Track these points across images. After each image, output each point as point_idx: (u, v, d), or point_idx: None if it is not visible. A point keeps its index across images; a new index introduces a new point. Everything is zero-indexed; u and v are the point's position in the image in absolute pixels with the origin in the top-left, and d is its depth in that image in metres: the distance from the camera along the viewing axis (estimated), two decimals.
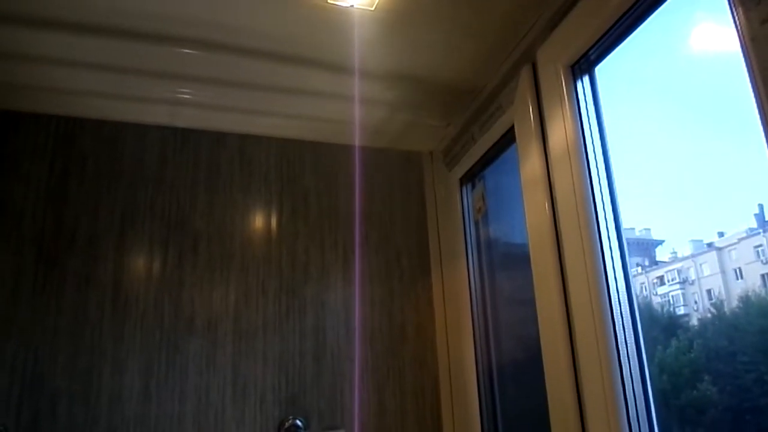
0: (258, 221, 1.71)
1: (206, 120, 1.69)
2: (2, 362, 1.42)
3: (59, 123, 1.62)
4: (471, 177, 1.70)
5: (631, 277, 1.17)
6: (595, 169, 1.19)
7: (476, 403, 1.58)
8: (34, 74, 1.46)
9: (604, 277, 1.13)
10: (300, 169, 1.79)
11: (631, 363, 1.10)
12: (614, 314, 1.11)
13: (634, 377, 1.08)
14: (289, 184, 1.76)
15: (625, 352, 1.09)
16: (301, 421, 1.56)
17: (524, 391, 1.51)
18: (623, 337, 1.10)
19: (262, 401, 1.57)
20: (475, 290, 1.65)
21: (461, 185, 1.73)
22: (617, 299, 1.12)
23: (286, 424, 1.54)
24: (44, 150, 1.59)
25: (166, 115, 1.65)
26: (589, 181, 1.18)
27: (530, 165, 1.32)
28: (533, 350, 1.29)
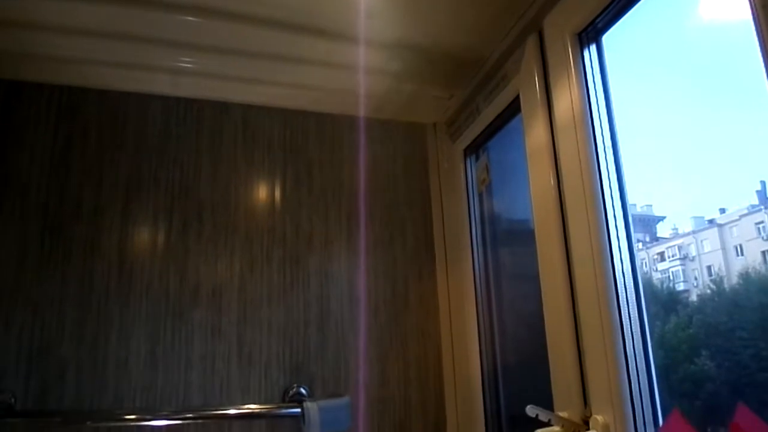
0: (262, 191, 1.71)
1: (209, 89, 1.68)
2: (10, 331, 1.43)
3: (62, 92, 1.62)
4: (475, 148, 1.70)
5: (635, 250, 1.17)
6: (601, 139, 1.19)
7: (478, 372, 1.60)
8: (36, 42, 1.45)
9: (608, 247, 1.13)
10: (304, 140, 1.78)
11: (635, 339, 1.10)
12: (618, 287, 1.11)
13: (637, 353, 1.08)
14: (293, 155, 1.76)
15: (629, 327, 1.10)
16: (305, 388, 1.58)
17: (526, 361, 1.53)
18: (627, 313, 1.11)
19: (267, 369, 1.59)
20: (478, 262, 1.66)
21: (465, 157, 1.73)
22: (621, 271, 1.13)
23: (291, 392, 1.56)
24: (47, 120, 1.59)
25: (168, 84, 1.64)
26: (594, 151, 1.18)
27: (535, 134, 1.32)
28: (536, 322, 1.30)
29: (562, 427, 1.14)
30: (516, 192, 1.57)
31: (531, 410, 1.15)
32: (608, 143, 1.20)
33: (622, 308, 1.09)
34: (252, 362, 1.58)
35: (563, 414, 1.16)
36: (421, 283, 1.77)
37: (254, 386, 1.56)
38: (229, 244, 1.64)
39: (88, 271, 1.52)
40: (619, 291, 1.11)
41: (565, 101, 1.24)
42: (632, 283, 1.13)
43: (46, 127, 1.58)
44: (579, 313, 1.17)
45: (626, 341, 1.09)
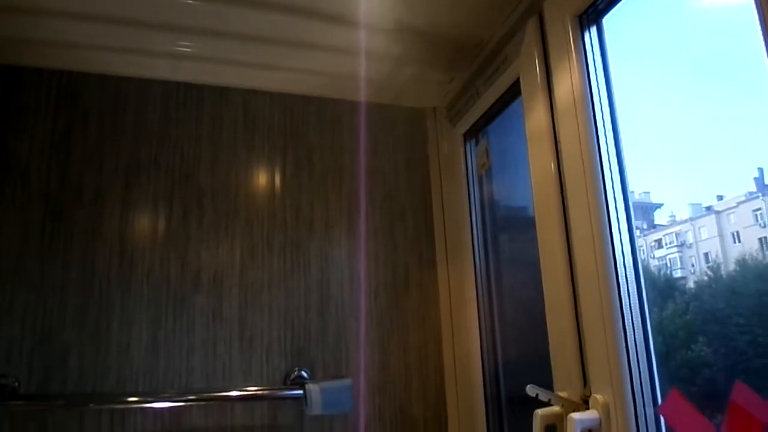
0: (262, 176, 1.71)
1: (209, 74, 1.68)
2: (12, 316, 1.44)
3: (62, 78, 1.61)
4: (475, 132, 1.70)
5: (635, 233, 1.18)
6: (602, 122, 1.19)
7: (478, 356, 1.61)
8: (37, 27, 1.45)
9: (608, 230, 1.13)
10: (304, 125, 1.78)
11: (634, 321, 1.11)
12: (618, 271, 1.12)
13: (636, 335, 1.09)
14: (293, 140, 1.76)
15: (629, 310, 1.10)
16: (306, 372, 1.59)
17: (526, 345, 1.54)
18: (626, 293, 1.11)
19: (268, 353, 1.60)
20: (478, 247, 1.67)
21: (465, 141, 1.73)
22: (621, 255, 1.13)
23: (292, 375, 1.58)
24: (47, 105, 1.59)
25: (168, 69, 1.64)
26: (595, 134, 1.18)
27: (535, 117, 1.32)
28: (536, 307, 1.31)
29: (562, 406, 1.15)
30: (516, 177, 1.58)
31: (531, 390, 1.16)
32: (608, 127, 1.20)
33: (621, 290, 1.10)
34: (253, 346, 1.59)
35: (563, 394, 1.17)
36: (421, 269, 1.78)
37: (256, 370, 1.57)
38: (229, 229, 1.65)
39: (90, 257, 1.52)
40: (619, 274, 1.12)
41: (565, 84, 1.24)
42: (632, 266, 1.14)
43: (46, 113, 1.58)
44: (579, 296, 1.18)
45: (626, 323, 1.10)
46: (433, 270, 1.79)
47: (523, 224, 1.56)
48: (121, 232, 1.56)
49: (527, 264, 1.41)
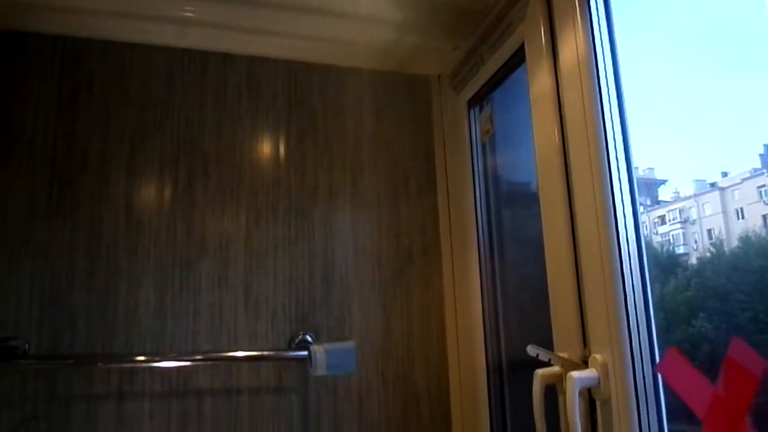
0: (267, 143, 1.72)
1: (213, 40, 1.68)
2: (21, 281, 1.46)
3: (66, 44, 1.62)
4: (479, 100, 1.70)
5: (638, 207, 1.19)
6: (606, 88, 1.19)
7: (480, 321, 1.63)
8: None
9: (611, 199, 1.14)
10: (308, 92, 1.78)
11: (635, 288, 1.12)
12: (619, 235, 1.13)
13: (638, 304, 1.10)
14: (298, 107, 1.76)
15: (629, 274, 1.12)
16: (311, 336, 1.61)
17: (527, 310, 1.55)
18: (627, 253, 1.12)
19: (273, 318, 1.62)
20: (481, 214, 1.68)
21: (469, 108, 1.73)
22: (624, 225, 1.14)
23: (297, 339, 1.60)
24: (52, 71, 1.59)
25: (172, 35, 1.64)
26: (599, 101, 1.18)
27: (540, 83, 1.32)
28: (538, 274, 1.32)
29: (562, 366, 1.17)
30: (520, 147, 1.58)
31: (531, 350, 1.18)
32: (613, 93, 1.20)
33: (623, 256, 1.11)
34: (259, 311, 1.61)
35: (563, 354, 1.19)
36: (424, 236, 1.79)
37: (261, 334, 1.60)
38: (234, 196, 1.66)
39: (97, 222, 1.54)
40: (621, 244, 1.12)
41: (570, 49, 1.24)
42: (633, 229, 1.15)
43: (51, 79, 1.59)
44: (580, 261, 1.19)
45: (626, 285, 1.11)
46: (436, 237, 1.80)
47: (527, 192, 1.57)
48: (127, 197, 1.57)
49: (530, 233, 1.42)
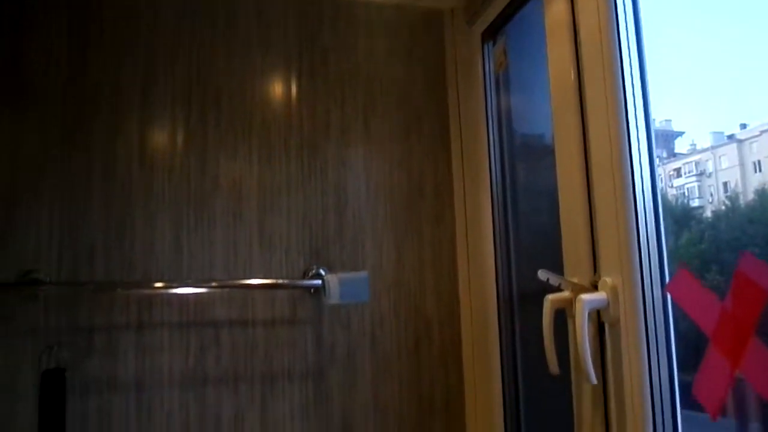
0: (278, 80, 1.72)
1: None
2: (39, 217, 1.49)
3: None
4: (493, 33, 1.67)
5: (654, 149, 1.18)
6: (624, 28, 1.16)
7: (492, 256, 1.64)
8: None
9: (625, 124, 1.13)
10: (319, 27, 1.76)
11: (647, 209, 1.13)
12: (632, 155, 1.13)
13: (650, 241, 1.11)
14: (309, 43, 1.75)
15: (643, 213, 1.12)
16: (324, 269, 1.64)
17: (538, 242, 1.56)
18: (641, 193, 1.13)
19: (287, 253, 1.65)
20: (494, 149, 1.67)
21: (483, 42, 1.70)
22: (637, 150, 1.14)
23: (310, 273, 1.63)
24: (59, 9, 1.58)
25: None
26: (616, 34, 1.16)
27: (555, 10, 1.29)
28: (550, 207, 1.32)
29: (572, 290, 1.18)
30: (534, 86, 1.56)
31: (542, 274, 1.19)
32: (632, 34, 1.17)
33: (635, 171, 1.11)
34: (273, 246, 1.64)
35: (573, 279, 1.20)
36: (436, 172, 1.80)
37: (276, 267, 1.62)
38: (246, 133, 1.66)
39: (111, 158, 1.55)
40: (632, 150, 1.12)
41: None
42: (651, 194, 1.14)
43: (59, 17, 1.57)
44: (592, 187, 1.19)
45: (638, 208, 1.11)
46: (448, 172, 1.80)
47: (540, 133, 1.56)
48: (140, 134, 1.58)
49: (544, 173, 1.41)
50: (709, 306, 0.97)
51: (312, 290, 1.62)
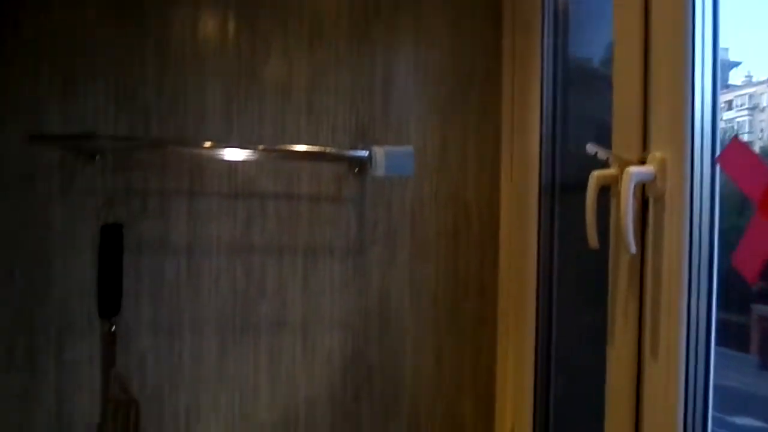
0: None
1: None
2: (96, 81, 1.52)
3: None
4: None
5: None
6: None
7: (537, 147, 1.64)
8: None
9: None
10: None
11: (705, 102, 1.10)
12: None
13: (705, 144, 1.09)
14: None
15: (700, 89, 1.09)
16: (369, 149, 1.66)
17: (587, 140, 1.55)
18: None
19: (333, 133, 1.68)
20: (547, 38, 1.64)
21: None
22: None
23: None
24: None
25: None
26: None
27: None
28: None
29: (619, 166, 1.17)
30: None
31: (591, 147, 1.19)
32: None
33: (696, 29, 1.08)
34: (319, 126, 1.66)
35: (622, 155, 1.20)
36: (486, 59, 1.78)
37: (323, 143, 1.66)
38: (297, 16, 1.65)
39: (162, 28, 1.57)
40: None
41: None
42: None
43: None
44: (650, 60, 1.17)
45: (695, 79, 1.09)
46: (498, 63, 1.79)
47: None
48: (194, 7, 1.59)
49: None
50: (759, 175, 0.96)
51: (357, 169, 1.65)
